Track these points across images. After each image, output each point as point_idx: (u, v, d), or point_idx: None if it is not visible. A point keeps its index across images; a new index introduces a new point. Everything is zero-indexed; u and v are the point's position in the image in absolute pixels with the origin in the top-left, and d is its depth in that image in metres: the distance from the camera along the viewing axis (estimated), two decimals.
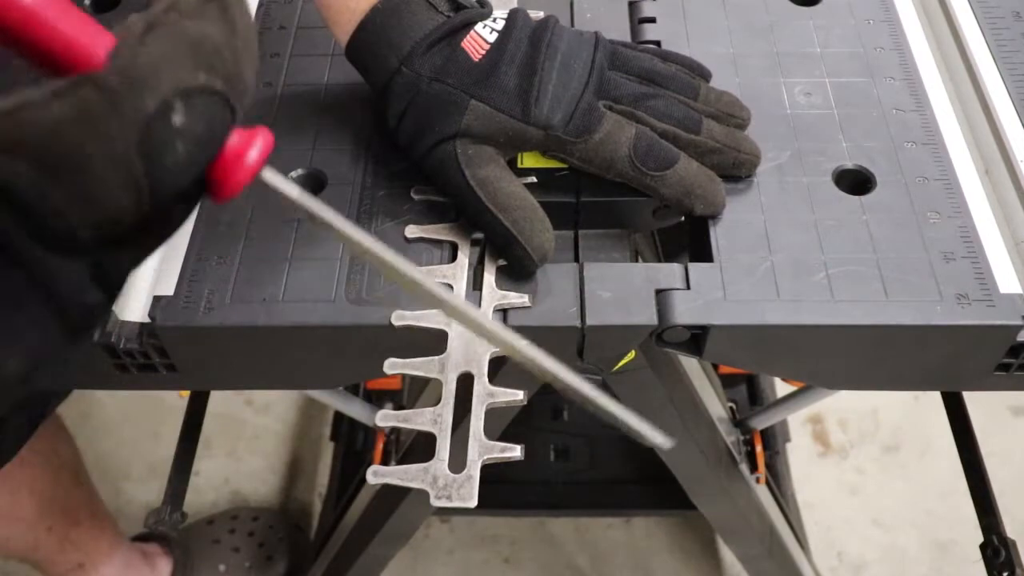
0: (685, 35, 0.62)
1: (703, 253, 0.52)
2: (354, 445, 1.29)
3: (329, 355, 0.51)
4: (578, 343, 0.49)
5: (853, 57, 0.60)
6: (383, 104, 0.52)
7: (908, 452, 1.43)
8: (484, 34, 0.51)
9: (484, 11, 0.52)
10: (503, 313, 0.49)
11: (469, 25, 0.51)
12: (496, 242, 0.50)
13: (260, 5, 0.65)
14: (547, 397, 1.25)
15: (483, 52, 0.50)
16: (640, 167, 0.50)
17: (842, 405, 1.47)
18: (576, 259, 0.53)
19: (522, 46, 0.51)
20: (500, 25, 0.52)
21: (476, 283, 0.50)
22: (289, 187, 0.33)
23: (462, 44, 0.50)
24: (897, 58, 0.60)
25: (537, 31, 0.52)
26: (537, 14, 0.54)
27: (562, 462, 1.20)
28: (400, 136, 0.53)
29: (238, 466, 1.42)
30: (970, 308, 0.48)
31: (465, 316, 0.36)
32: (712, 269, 0.50)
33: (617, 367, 0.53)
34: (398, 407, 0.46)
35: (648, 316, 0.48)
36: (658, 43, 0.61)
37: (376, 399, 1.19)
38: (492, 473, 0.44)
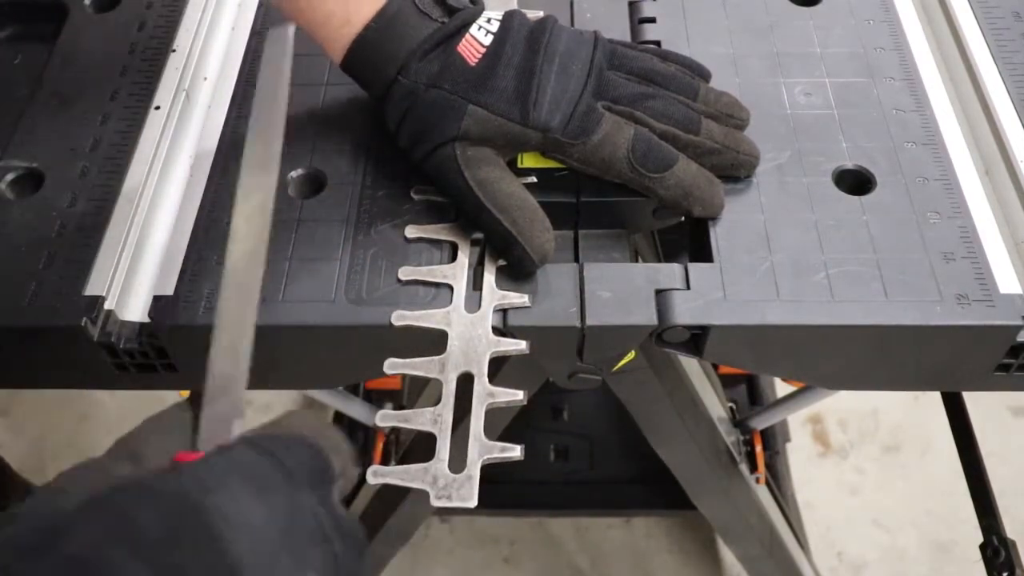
0: (685, 35, 0.62)
1: (703, 253, 0.52)
2: (354, 445, 1.29)
3: (329, 355, 0.51)
4: (578, 343, 0.49)
5: (853, 57, 0.60)
6: (382, 111, 0.52)
7: (908, 452, 1.43)
8: (479, 36, 0.51)
9: (477, 9, 0.52)
10: (503, 313, 0.49)
11: (464, 28, 0.51)
12: (496, 242, 0.50)
13: (260, 5, 0.65)
14: (547, 397, 1.25)
15: (479, 56, 0.50)
16: (639, 168, 0.50)
17: (842, 405, 1.47)
18: (576, 259, 0.53)
19: (519, 48, 0.51)
20: (495, 27, 0.51)
21: (476, 283, 0.50)
22: None
23: (457, 48, 0.50)
24: (897, 58, 0.60)
25: (535, 32, 0.52)
26: (536, 14, 0.54)
27: (562, 462, 1.20)
28: (400, 139, 0.53)
29: None
30: (970, 308, 0.48)
31: None
32: (712, 269, 0.50)
33: (617, 367, 0.53)
34: (398, 407, 0.46)
35: (648, 316, 0.48)
36: (658, 43, 0.61)
37: (376, 399, 1.19)
38: (492, 473, 0.44)
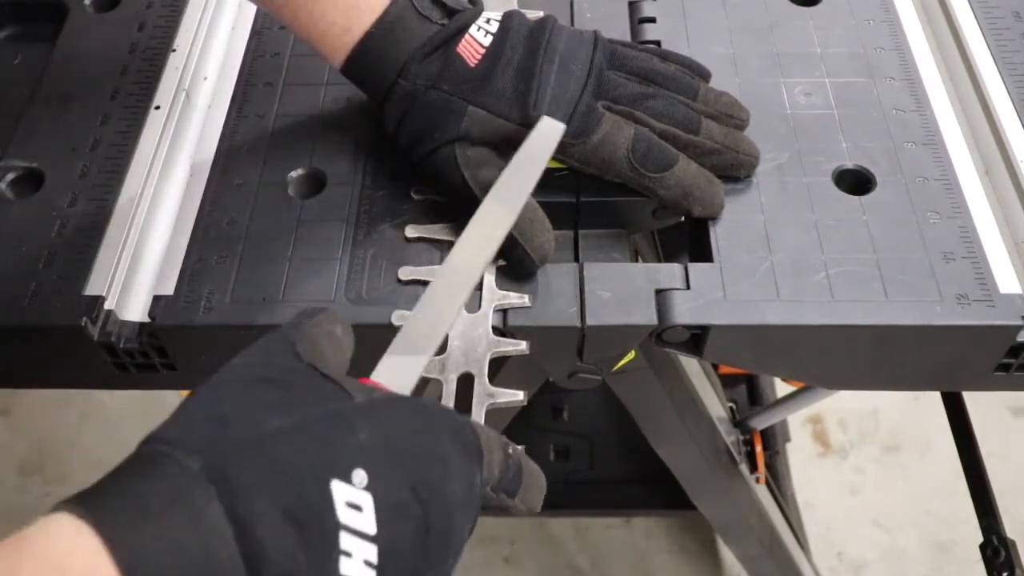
0: (685, 35, 0.62)
1: (703, 253, 0.52)
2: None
3: None
4: (578, 343, 0.49)
5: (853, 57, 0.60)
6: (381, 112, 0.52)
7: (908, 452, 1.43)
8: (479, 37, 0.51)
9: (476, 10, 0.52)
10: (503, 313, 0.49)
11: (463, 29, 0.51)
12: None
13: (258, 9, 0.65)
14: (547, 397, 1.25)
15: (479, 57, 0.50)
16: (639, 168, 0.50)
17: (842, 405, 1.47)
18: (576, 259, 0.53)
19: (518, 49, 0.51)
20: (494, 27, 0.51)
21: (476, 283, 0.50)
22: None
23: (457, 49, 0.50)
24: (897, 58, 0.60)
25: (534, 32, 0.52)
26: (536, 14, 0.54)
27: (562, 462, 1.20)
28: (399, 140, 0.53)
29: None
30: (970, 308, 0.48)
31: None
32: (712, 269, 0.50)
33: (617, 367, 0.53)
34: None
35: (648, 316, 0.48)
36: (658, 43, 0.61)
37: None
38: None
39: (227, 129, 0.58)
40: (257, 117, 0.58)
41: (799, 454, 1.41)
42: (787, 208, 0.52)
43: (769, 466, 1.08)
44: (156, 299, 0.50)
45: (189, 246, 0.52)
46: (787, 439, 1.27)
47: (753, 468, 0.97)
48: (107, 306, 0.49)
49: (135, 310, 0.50)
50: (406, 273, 0.50)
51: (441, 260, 0.51)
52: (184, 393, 0.86)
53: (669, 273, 0.50)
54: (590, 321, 0.48)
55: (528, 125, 0.50)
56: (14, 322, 0.49)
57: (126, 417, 1.46)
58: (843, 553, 1.34)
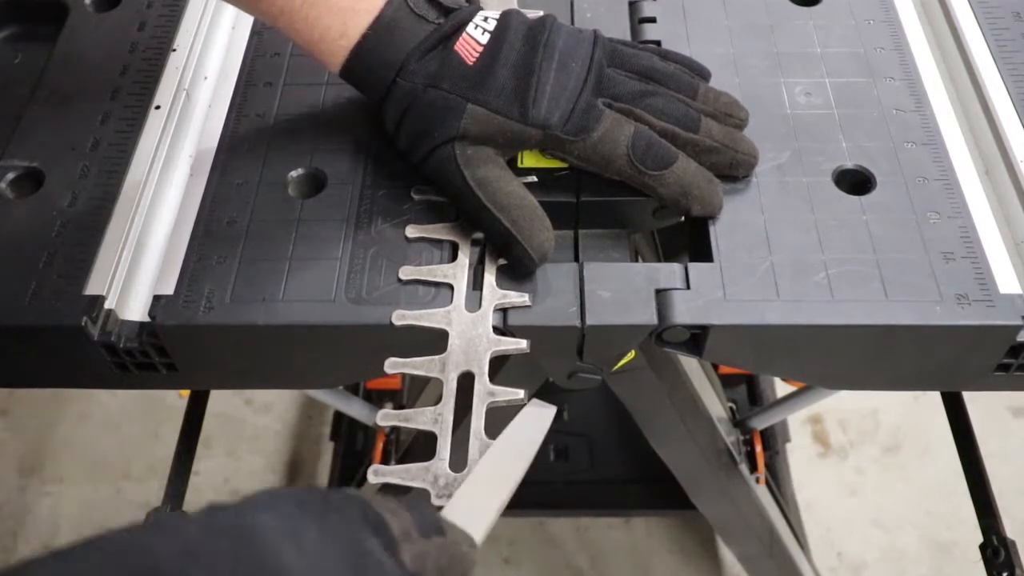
0: (685, 35, 0.62)
1: (703, 253, 0.52)
2: (354, 445, 1.29)
3: (329, 355, 0.51)
4: (578, 343, 0.50)
5: (853, 57, 0.60)
6: (380, 112, 0.52)
7: (908, 452, 1.43)
8: (476, 35, 0.51)
9: (473, 8, 0.52)
10: (503, 312, 0.49)
11: (460, 28, 0.51)
12: (496, 242, 0.50)
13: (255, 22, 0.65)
14: (547, 397, 1.26)
15: (477, 55, 0.50)
16: (638, 166, 0.50)
17: (842, 405, 1.47)
18: (576, 259, 0.53)
19: (517, 46, 0.51)
20: (492, 25, 0.51)
21: (476, 283, 0.50)
22: None
23: (455, 47, 0.50)
24: (897, 58, 0.60)
25: (533, 30, 0.52)
26: (535, 13, 0.54)
27: (562, 462, 1.20)
28: (399, 140, 0.53)
29: (238, 466, 1.42)
30: (970, 308, 0.48)
31: None
32: (712, 269, 0.50)
33: (617, 367, 0.53)
34: (398, 407, 0.46)
35: (648, 316, 0.48)
36: (658, 43, 0.61)
37: (376, 399, 1.20)
38: None
39: (227, 129, 0.58)
40: (257, 117, 0.58)
41: (799, 454, 1.41)
42: (787, 208, 0.52)
43: (769, 466, 1.08)
44: (156, 299, 0.50)
45: (189, 246, 0.52)
46: (787, 439, 1.27)
47: (753, 468, 0.97)
48: (107, 306, 0.49)
49: (135, 310, 0.50)
50: (406, 273, 0.50)
51: (441, 260, 0.51)
52: (185, 394, 0.86)
53: (669, 273, 0.50)
54: (590, 321, 0.48)
55: (528, 122, 0.50)
56: (14, 322, 0.49)
57: (126, 417, 1.46)
58: (843, 553, 1.34)
